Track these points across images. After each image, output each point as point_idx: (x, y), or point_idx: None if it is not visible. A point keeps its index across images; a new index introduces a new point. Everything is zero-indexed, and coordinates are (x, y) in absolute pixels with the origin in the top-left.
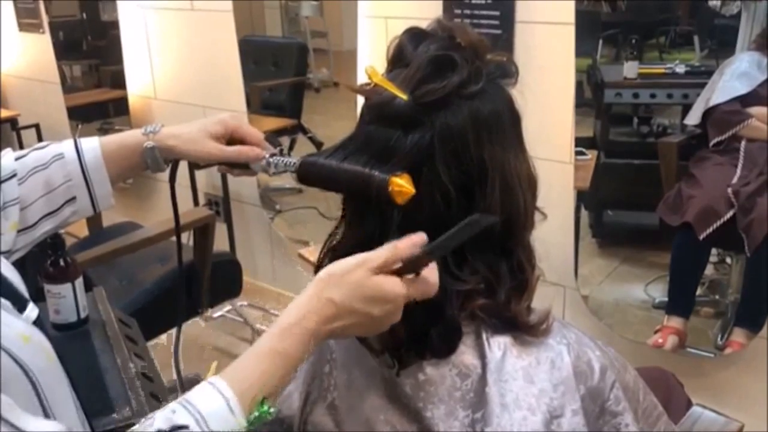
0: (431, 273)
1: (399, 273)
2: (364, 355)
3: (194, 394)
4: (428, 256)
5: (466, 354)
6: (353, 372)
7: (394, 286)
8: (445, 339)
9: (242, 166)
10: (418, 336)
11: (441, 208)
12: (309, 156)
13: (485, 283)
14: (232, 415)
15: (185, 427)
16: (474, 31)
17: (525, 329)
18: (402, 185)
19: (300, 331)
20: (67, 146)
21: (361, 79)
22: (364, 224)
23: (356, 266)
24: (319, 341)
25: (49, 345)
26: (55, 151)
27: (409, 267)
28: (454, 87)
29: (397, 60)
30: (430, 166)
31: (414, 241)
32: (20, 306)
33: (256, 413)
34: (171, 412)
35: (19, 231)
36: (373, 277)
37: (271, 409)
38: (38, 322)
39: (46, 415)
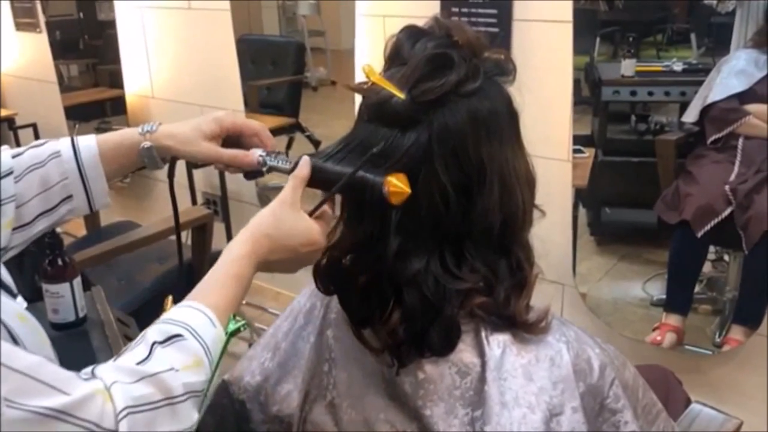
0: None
1: (311, 212)
2: (363, 354)
3: (175, 314)
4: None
5: (465, 352)
6: (352, 371)
7: (320, 231)
8: (444, 337)
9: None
10: (417, 334)
11: (439, 207)
12: (307, 155)
13: (484, 282)
14: (214, 328)
15: (180, 335)
16: (471, 29)
17: (524, 327)
18: (398, 186)
19: (248, 260)
20: (63, 144)
21: (359, 77)
22: (362, 224)
23: (280, 206)
24: (261, 268)
25: (42, 329)
26: (51, 149)
27: (319, 207)
28: (451, 85)
29: (395, 58)
30: (428, 164)
31: (304, 167)
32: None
33: (231, 326)
34: (160, 327)
35: (14, 229)
36: (301, 219)
37: (243, 322)
38: None
39: None
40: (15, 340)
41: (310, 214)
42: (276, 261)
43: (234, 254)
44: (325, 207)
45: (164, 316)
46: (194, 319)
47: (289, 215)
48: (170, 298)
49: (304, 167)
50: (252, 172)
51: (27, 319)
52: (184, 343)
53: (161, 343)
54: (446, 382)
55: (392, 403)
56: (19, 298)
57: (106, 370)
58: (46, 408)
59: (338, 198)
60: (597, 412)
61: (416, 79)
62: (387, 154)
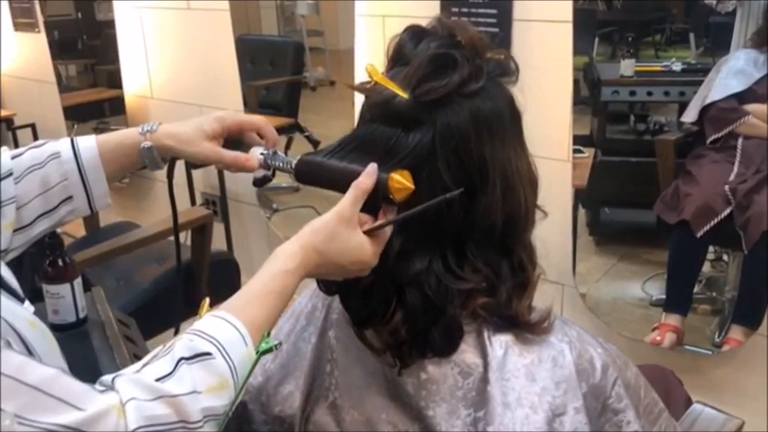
0: (389, 229)
1: (368, 232)
2: (365, 355)
3: (207, 326)
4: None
5: (467, 353)
6: (355, 371)
7: (374, 252)
8: (446, 338)
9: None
10: (419, 335)
11: (442, 207)
12: (308, 154)
13: (486, 282)
14: (245, 346)
15: (208, 354)
16: (474, 29)
17: (526, 327)
18: (402, 182)
19: (295, 275)
20: (63, 145)
21: (359, 77)
22: None
23: (336, 221)
24: (307, 277)
25: (51, 335)
26: (51, 150)
27: (378, 228)
28: (455, 85)
29: (397, 58)
30: (431, 165)
31: (369, 172)
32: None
33: (264, 346)
34: (189, 341)
35: (15, 230)
36: (354, 236)
37: (276, 342)
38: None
39: None
40: (28, 348)
41: (367, 232)
42: (321, 274)
43: (281, 267)
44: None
45: (196, 325)
46: (226, 335)
47: (344, 231)
48: (207, 301)
49: (369, 177)
50: (261, 180)
51: (36, 325)
52: (211, 362)
53: (188, 359)
54: (449, 382)
55: (394, 404)
56: (26, 303)
57: (125, 383)
58: (59, 425)
59: (336, 196)
60: (599, 412)
61: (419, 79)
62: (390, 154)
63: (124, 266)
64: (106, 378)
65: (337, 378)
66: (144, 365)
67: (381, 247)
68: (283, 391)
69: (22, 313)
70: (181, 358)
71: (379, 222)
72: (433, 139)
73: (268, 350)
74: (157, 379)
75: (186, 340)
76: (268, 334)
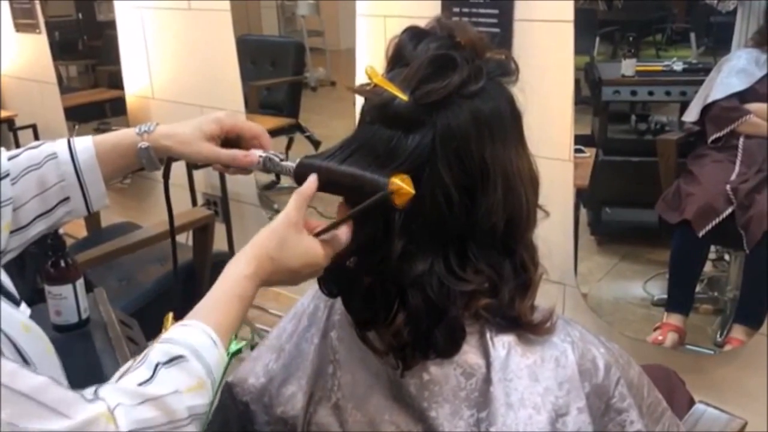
0: (343, 231)
1: (318, 234)
2: (367, 356)
3: (178, 334)
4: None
5: (470, 353)
6: (357, 372)
7: (324, 255)
8: (449, 339)
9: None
10: (421, 336)
11: (443, 208)
12: (308, 157)
13: (489, 283)
14: (217, 349)
15: (182, 356)
16: (474, 30)
17: (529, 328)
18: (402, 187)
19: (251, 280)
20: (60, 146)
21: (360, 78)
22: (366, 226)
23: (284, 227)
24: (263, 286)
25: (47, 338)
26: (48, 151)
27: (328, 230)
28: (455, 87)
29: (397, 59)
30: (432, 166)
31: (310, 180)
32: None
33: (233, 347)
34: (162, 348)
35: (12, 231)
36: (304, 240)
37: (243, 343)
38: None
39: None
40: (20, 353)
41: (317, 235)
42: (277, 280)
43: (237, 274)
44: (336, 231)
45: (165, 335)
46: (197, 339)
47: (294, 236)
48: (171, 315)
49: (310, 185)
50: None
51: (30, 328)
52: (186, 365)
53: (165, 363)
54: (451, 383)
55: (397, 405)
56: (23, 306)
57: (109, 391)
58: None
59: (337, 197)
60: (603, 412)
61: (419, 81)
62: (390, 156)
63: (126, 267)
64: (88, 390)
65: (339, 379)
66: (121, 376)
67: (333, 249)
68: (285, 392)
69: (16, 318)
70: (158, 363)
71: (326, 224)
72: (433, 141)
73: (237, 352)
74: (139, 384)
75: (159, 347)
76: (236, 336)
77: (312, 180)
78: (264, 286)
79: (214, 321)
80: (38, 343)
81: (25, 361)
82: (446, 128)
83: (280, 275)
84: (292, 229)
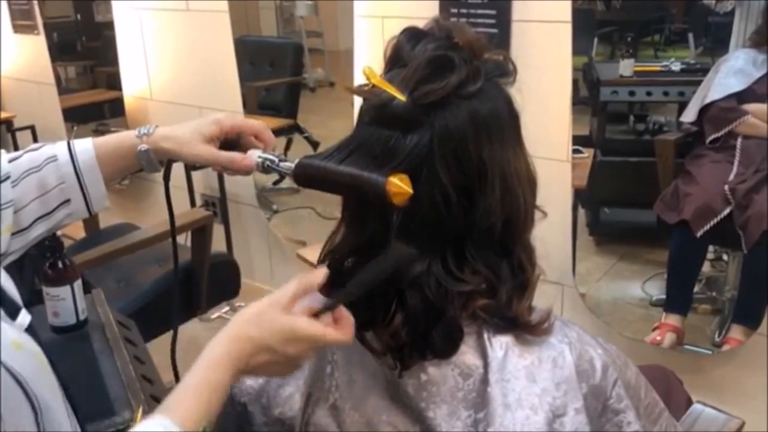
0: (349, 317)
1: (316, 315)
2: (365, 356)
3: (144, 427)
4: (342, 299)
5: (467, 354)
6: (355, 373)
7: (309, 326)
8: (447, 339)
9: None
10: (419, 337)
11: (441, 209)
12: (306, 157)
13: (486, 283)
14: None
15: None
16: (472, 30)
17: (526, 328)
18: (400, 186)
19: (227, 365)
20: (60, 148)
21: (358, 79)
22: (363, 226)
23: (269, 306)
24: (243, 374)
25: (41, 353)
26: (48, 153)
27: (325, 310)
28: (452, 87)
29: (395, 60)
30: (430, 167)
31: (318, 273)
32: (13, 312)
33: None
34: None
35: (13, 234)
36: (286, 317)
37: None
38: (30, 329)
39: (38, 423)
40: (10, 372)
41: (316, 316)
42: (259, 363)
43: (212, 358)
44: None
45: (134, 428)
46: None
47: (274, 314)
48: (140, 409)
49: (318, 276)
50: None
51: (22, 345)
52: None
53: None
54: (449, 383)
55: (395, 405)
56: (23, 313)
57: None
58: None
59: (336, 198)
60: (600, 413)
61: (417, 81)
62: (388, 156)
63: (125, 268)
64: None
65: (337, 379)
66: None
67: (322, 328)
68: (283, 393)
69: (7, 336)
70: None
71: (322, 306)
72: (431, 141)
73: None
74: None
75: None
76: (204, 429)
77: (321, 273)
78: (246, 374)
79: (182, 413)
80: (31, 361)
81: (18, 383)
82: (444, 129)
83: (260, 356)
84: (276, 308)
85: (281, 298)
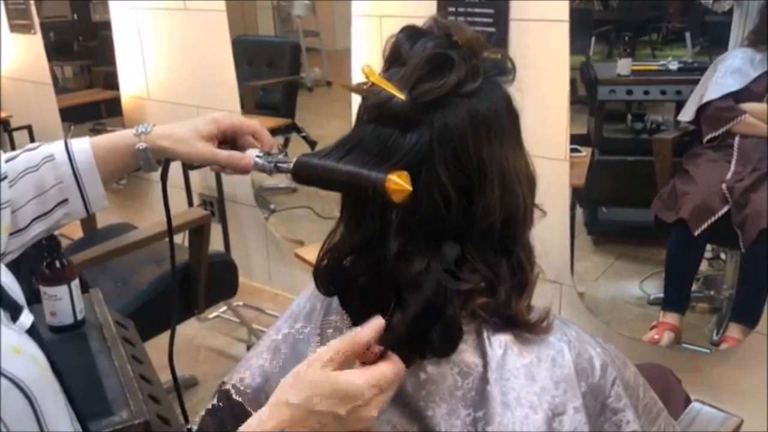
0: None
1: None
2: None
3: None
4: (384, 346)
5: (467, 353)
6: None
7: (353, 378)
8: (446, 338)
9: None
10: (418, 336)
11: (440, 207)
12: (305, 155)
13: (485, 282)
14: None
15: None
16: (471, 29)
17: (526, 327)
18: (399, 183)
19: None
20: (57, 148)
21: (356, 78)
22: (362, 225)
23: (308, 365)
24: None
25: (42, 355)
26: (45, 153)
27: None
28: (451, 86)
29: (394, 59)
30: (429, 165)
31: (373, 327)
32: (14, 313)
33: None
34: None
35: (10, 234)
36: (328, 373)
37: None
38: (32, 330)
39: (41, 427)
40: (9, 378)
41: (364, 363)
42: (307, 427)
43: (254, 429)
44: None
45: None
46: None
47: (312, 373)
48: None
49: (373, 330)
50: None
51: (21, 350)
52: None
53: None
54: (448, 382)
55: (394, 404)
56: (25, 312)
57: None
58: None
59: (333, 197)
60: (599, 412)
61: (416, 80)
62: (387, 155)
63: (122, 268)
64: None
65: None
66: None
67: (375, 375)
68: None
69: (6, 341)
70: None
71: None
72: (430, 140)
73: None
74: None
75: None
76: None
77: (377, 325)
78: None
79: None
80: (30, 364)
81: (19, 388)
82: (443, 127)
83: (308, 422)
84: (314, 366)
85: (323, 355)
